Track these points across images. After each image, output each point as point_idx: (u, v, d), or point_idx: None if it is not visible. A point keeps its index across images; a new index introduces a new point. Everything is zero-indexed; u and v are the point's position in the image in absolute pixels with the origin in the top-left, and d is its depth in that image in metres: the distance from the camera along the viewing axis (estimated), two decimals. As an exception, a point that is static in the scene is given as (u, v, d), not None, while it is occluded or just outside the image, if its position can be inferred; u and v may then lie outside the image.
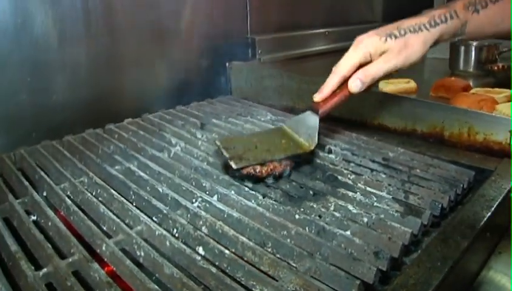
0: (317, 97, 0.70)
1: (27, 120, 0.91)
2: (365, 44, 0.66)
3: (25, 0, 0.88)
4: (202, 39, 1.22)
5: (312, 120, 0.70)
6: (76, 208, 0.61)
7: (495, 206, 0.60)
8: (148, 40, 1.11)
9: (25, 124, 0.91)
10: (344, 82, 0.68)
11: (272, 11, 1.39)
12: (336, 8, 1.69)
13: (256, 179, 0.67)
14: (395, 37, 0.65)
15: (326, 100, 0.69)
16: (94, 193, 0.67)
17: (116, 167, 0.73)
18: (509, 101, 1.11)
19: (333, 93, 0.69)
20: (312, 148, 0.69)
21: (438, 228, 0.58)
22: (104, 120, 0.96)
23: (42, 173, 0.72)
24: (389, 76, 0.69)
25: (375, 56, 0.66)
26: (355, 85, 0.66)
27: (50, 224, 0.59)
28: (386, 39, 0.65)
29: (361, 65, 0.67)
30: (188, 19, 1.18)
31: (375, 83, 0.69)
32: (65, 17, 0.94)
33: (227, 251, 0.50)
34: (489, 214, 0.58)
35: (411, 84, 1.32)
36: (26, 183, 0.69)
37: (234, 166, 0.65)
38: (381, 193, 0.64)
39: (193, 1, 1.18)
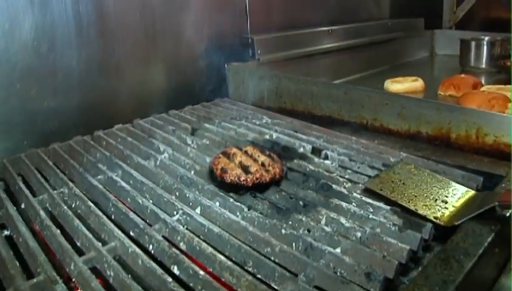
0: None
1: (18, 128, 0.88)
2: None
3: (12, 5, 0.85)
4: (199, 40, 1.18)
5: (484, 201, 0.56)
6: (49, 223, 0.57)
7: (506, 216, 0.54)
8: (142, 43, 1.07)
9: (16, 132, 0.88)
10: None
11: (272, 9, 1.34)
12: (340, 5, 1.63)
13: (241, 189, 0.62)
14: None
15: None
16: (72, 205, 0.63)
17: (99, 177, 0.69)
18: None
19: None
20: (448, 225, 0.54)
21: (441, 243, 0.52)
22: (98, 126, 0.92)
23: (21, 184, 0.68)
24: None
25: None
26: None
27: (20, 239, 0.55)
28: None
29: None
30: (183, 20, 1.14)
31: None
32: (55, 22, 0.91)
33: (201, 272, 0.45)
34: (498, 226, 0.52)
35: (418, 82, 1.26)
36: (4, 195, 0.66)
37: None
38: (378, 204, 0.58)
39: (189, 1, 1.14)
